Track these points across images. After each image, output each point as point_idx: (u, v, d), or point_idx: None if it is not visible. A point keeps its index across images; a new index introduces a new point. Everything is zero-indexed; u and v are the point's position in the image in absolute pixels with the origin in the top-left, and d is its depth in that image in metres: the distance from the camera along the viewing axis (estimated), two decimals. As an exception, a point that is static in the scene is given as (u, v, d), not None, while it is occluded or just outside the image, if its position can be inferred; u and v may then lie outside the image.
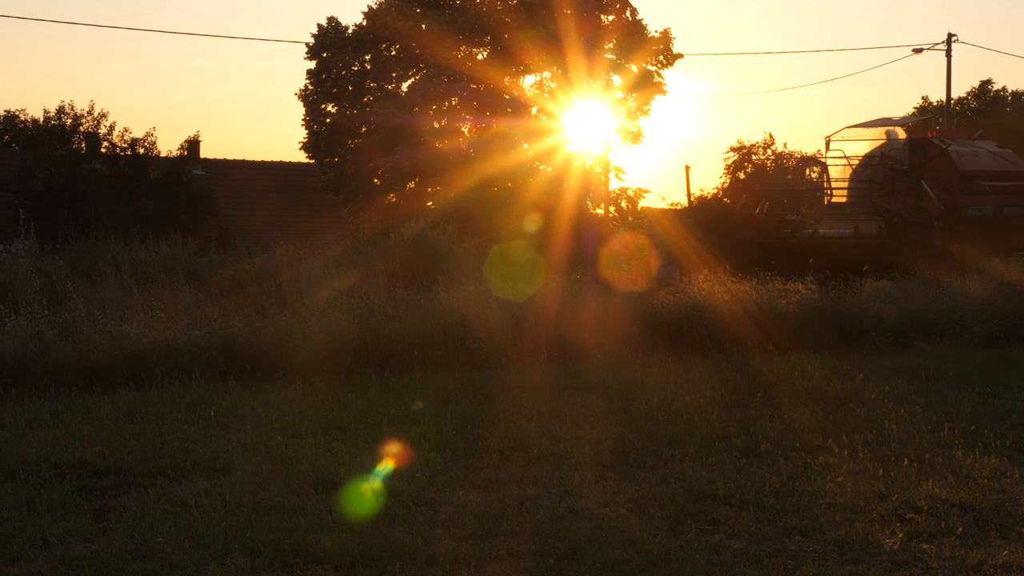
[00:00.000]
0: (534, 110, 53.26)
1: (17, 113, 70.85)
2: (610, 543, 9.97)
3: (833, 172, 40.83)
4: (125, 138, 44.30)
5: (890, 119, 42.19)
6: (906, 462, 12.90)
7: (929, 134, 39.70)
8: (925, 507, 11.01)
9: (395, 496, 11.44)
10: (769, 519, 10.74)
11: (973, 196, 36.80)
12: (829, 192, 40.73)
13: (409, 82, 54.11)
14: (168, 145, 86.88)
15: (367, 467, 12.61)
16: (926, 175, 37.18)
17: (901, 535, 10.23)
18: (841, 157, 40.58)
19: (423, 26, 52.74)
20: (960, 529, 10.41)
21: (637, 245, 36.46)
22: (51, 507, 11.07)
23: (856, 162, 40.78)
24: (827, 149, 41.35)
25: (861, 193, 39.53)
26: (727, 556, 9.75)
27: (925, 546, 9.97)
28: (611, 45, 54.04)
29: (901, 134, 39.36)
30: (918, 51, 58.94)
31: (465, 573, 9.32)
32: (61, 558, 9.58)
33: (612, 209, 54.28)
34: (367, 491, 11.66)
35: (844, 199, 39.86)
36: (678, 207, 66.35)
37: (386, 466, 12.67)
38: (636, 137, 55.01)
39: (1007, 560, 9.60)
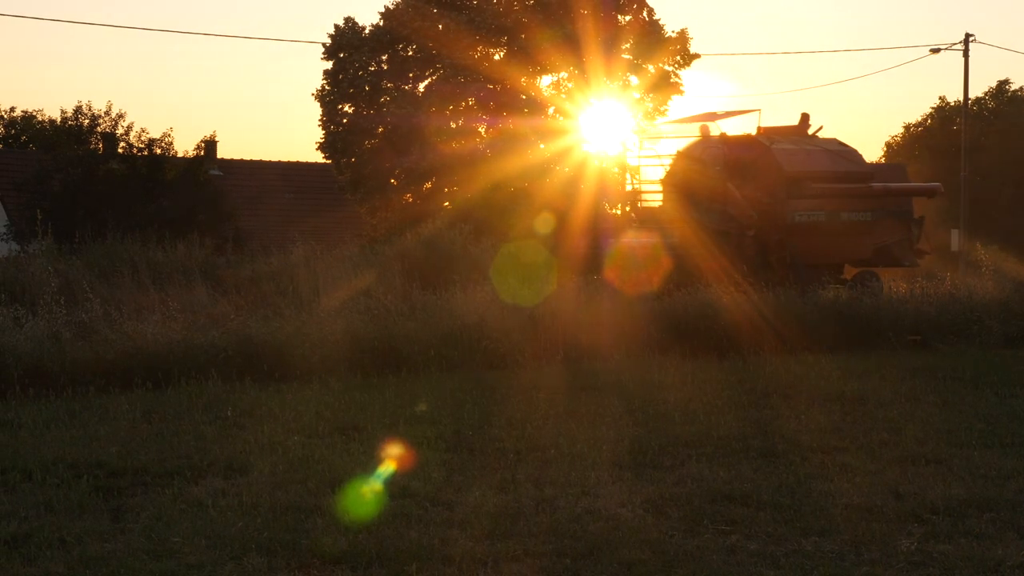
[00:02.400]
0: (551, 110, 53.27)
1: (34, 114, 71.15)
2: (627, 543, 9.96)
3: (649, 173, 35.89)
4: (142, 138, 44.46)
5: (715, 113, 37.60)
6: (923, 462, 12.87)
7: (758, 130, 34.71)
8: (942, 507, 10.98)
9: (412, 496, 11.45)
10: (786, 519, 10.72)
11: (801, 200, 32.43)
12: (639, 196, 36.02)
13: (426, 82, 54.15)
14: (185, 145, 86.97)
15: (384, 467, 12.62)
16: (745, 176, 32.75)
17: (918, 535, 10.21)
18: (654, 156, 35.70)
19: (440, 26, 52.76)
20: (977, 530, 10.38)
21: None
22: (68, 507, 11.09)
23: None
24: (641, 148, 36.41)
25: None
26: (744, 556, 9.74)
27: (942, 546, 9.95)
28: (628, 45, 54.05)
29: (717, 130, 35.16)
30: (936, 51, 58.78)
31: (482, 573, 9.32)
32: (78, 558, 9.60)
33: (628, 209, 54.25)
34: (383, 491, 11.66)
35: (659, 204, 34.95)
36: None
37: (402, 466, 12.68)
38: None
39: (1025, 561, 9.58)
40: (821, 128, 35.50)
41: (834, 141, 35.37)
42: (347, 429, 14.85)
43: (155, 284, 26.87)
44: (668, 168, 33.12)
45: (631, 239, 32.71)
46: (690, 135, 34.98)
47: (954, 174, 60.16)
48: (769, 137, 33.57)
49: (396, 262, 30.73)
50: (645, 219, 33.41)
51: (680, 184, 32.75)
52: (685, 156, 33.68)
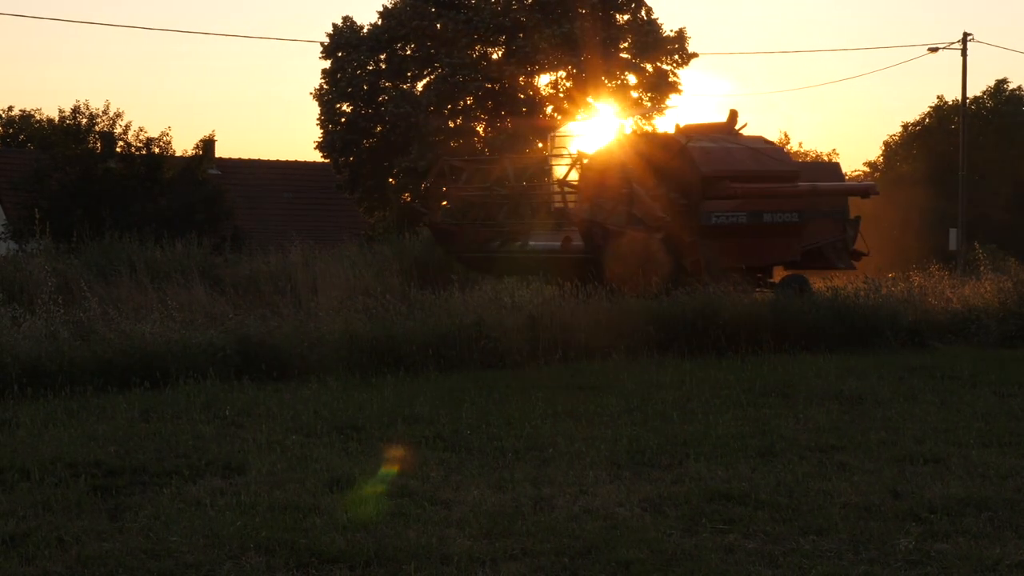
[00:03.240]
0: (549, 109, 53.33)
1: (32, 113, 71.16)
2: (625, 542, 9.96)
3: (560, 173, 32.96)
4: (140, 138, 44.43)
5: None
6: (921, 461, 12.88)
7: (678, 128, 33.17)
8: (940, 506, 10.98)
9: (410, 495, 11.45)
10: (784, 518, 10.72)
11: (718, 201, 30.70)
12: (536, 197, 33.05)
13: (424, 81, 54.24)
14: (183, 145, 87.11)
15: (382, 466, 12.62)
16: (662, 176, 30.87)
17: (916, 534, 10.20)
18: (564, 156, 33.44)
19: (438, 25, 52.81)
20: (975, 529, 10.38)
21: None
22: (66, 506, 11.09)
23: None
24: (553, 146, 34.21)
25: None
26: (742, 555, 9.74)
27: (940, 545, 9.95)
28: (626, 44, 54.14)
29: (628, 128, 33.88)
30: (934, 50, 58.82)
31: (480, 572, 9.32)
32: (76, 557, 9.60)
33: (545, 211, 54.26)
34: (382, 490, 11.66)
35: (567, 205, 31.99)
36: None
37: (401, 465, 12.68)
38: (651, 136, 54.99)
39: (1023, 559, 9.57)
40: (746, 125, 33.95)
41: (759, 139, 34.07)
42: (345, 428, 14.86)
43: (153, 283, 26.87)
44: (578, 168, 30.86)
45: (538, 243, 30.58)
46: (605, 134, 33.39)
47: (952, 173, 60.24)
48: (687, 135, 32.07)
49: (394, 261, 30.85)
50: (558, 221, 30.88)
51: (586, 185, 30.62)
52: (595, 156, 31.73)
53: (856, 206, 32.93)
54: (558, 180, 31.42)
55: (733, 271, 28.76)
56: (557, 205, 30.90)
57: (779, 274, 32.11)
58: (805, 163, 36.87)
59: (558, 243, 29.96)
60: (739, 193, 30.76)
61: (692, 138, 31.66)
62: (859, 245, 33.14)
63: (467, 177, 33.76)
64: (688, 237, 29.85)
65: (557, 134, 34.42)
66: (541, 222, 31.19)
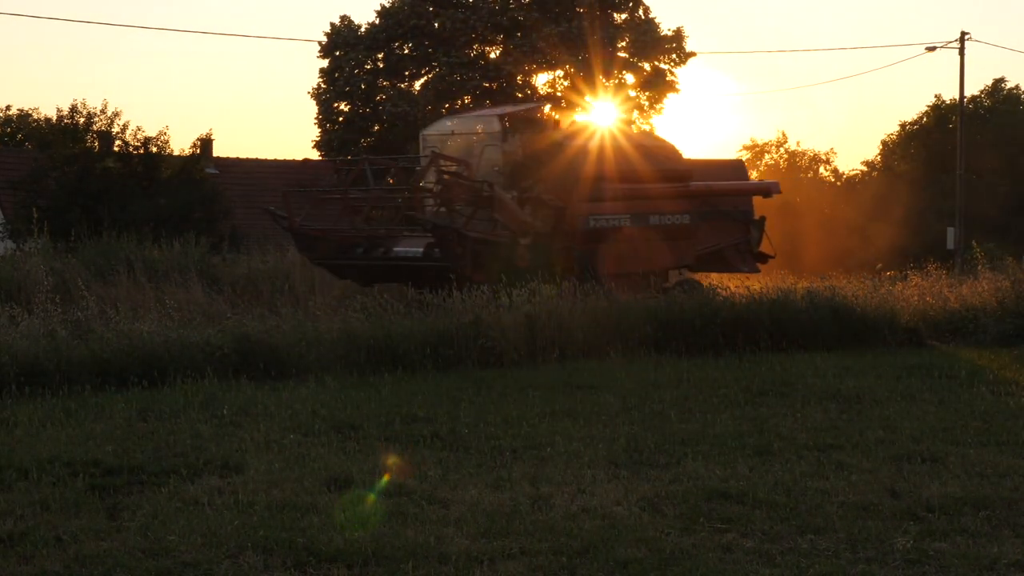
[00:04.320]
0: (547, 108, 53.29)
1: (30, 112, 71.09)
2: (623, 541, 9.97)
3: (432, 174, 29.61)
4: (138, 137, 44.38)
5: (503, 108, 32.44)
6: (919, 460, 12.88)
7: (555, 123, 30.91)
8: (938, 505, 10.99)
9: (408, 494, 11.45)
10: (782, 517, 10.73)
11: (598, 203, 28.76)
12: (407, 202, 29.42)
13: (422, 80, 54.21)
14: (181, 144, 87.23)
15: (380, 465, 12.62)
16: (537, 177, 28.96)
17: (914, 533, 10.21)
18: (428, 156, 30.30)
19: (436, 24, 52.81)
20: (973, 527, 10.39)
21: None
22: (64, 505, 11.09)
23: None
24: (423, 146, 31.09)
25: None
26: (740, 554, 9.75)
27: (938, 544, 9.95)
28: (624, 43, 54.12)
29: (496, 125, 30.09)
30: (931, 49, 58.82)
31: (478, 571, 9.32)
32: (74, 556, 9.60)
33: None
34: (379, 489, 11.66)
35: (425, 210, 29.08)
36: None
37: (398, 464, 12.68)
38: (649, 135, 55.04)
39: (1021, 558, 9.58)
40: (633, 123, 32.45)
41: (647, 135, 32.48)
42: (343, 427, 14.86)
43: (151, 282, 26.91)
44: (438, 170, 28.31)
45: (402, 249, 28.33)
46: (470, 132, 30.52)
47: (950, 172, 60.25)
48: (566, 132, 30.35)
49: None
50: (413, 227, 28.47)
51: (446, 188, 28.05)
52: (458, 155, 29.43)
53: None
54: (411, 183, 29.05)
55: (619, 277, 27.25)
56: (409, 212, 28.37)
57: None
58: (704, 161, 34.24)
59: (420, 250, 27.73)
60: (621, 195, 29.18)
61: (569, 134, 30.06)
62: (765, 247, 31.90)
63: (341, 179, 31.04)
64: (563, 242, 28.27)
65: (428, 132, 31.42)
66: (400, 228, 28.82)
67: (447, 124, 31.74)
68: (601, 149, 29.71)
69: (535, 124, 30.74)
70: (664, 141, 32.30)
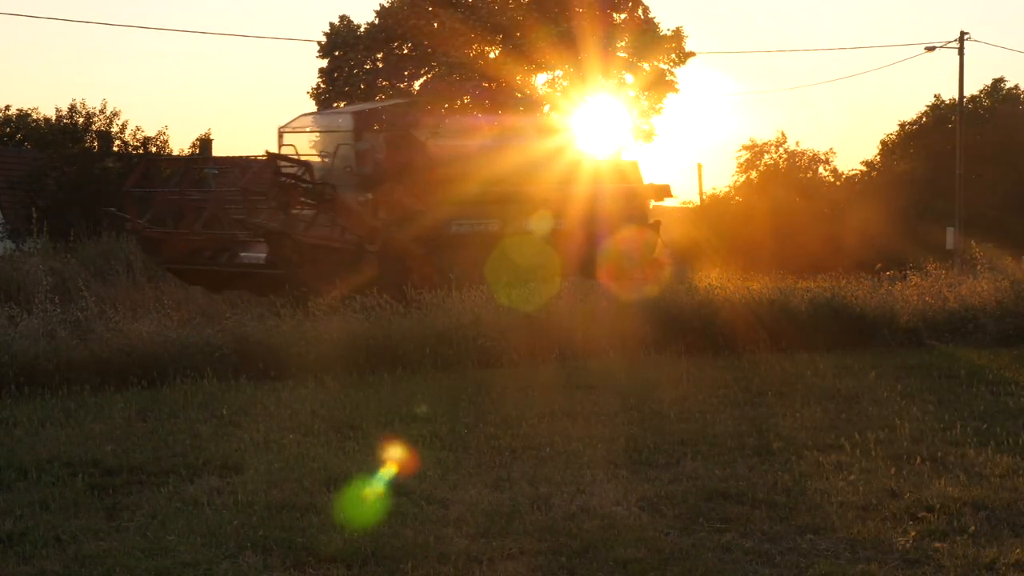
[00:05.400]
0: (546, 108, 53.31)
1: (29, 112, 70.98)
2: (622, 541, 9.96)
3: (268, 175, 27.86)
4: (137, 136, 44.48)
5: (362, 105, 30.36)
6: (918, 460, 12.87)
7: (420, 121, 29.55)
8: (937, 505, 10.98)
9: (407, 494, 11.45)
10: (781, 517, 10.72)
11: (459, 207, 27.29)
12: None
13: (421, 80, 54.20)
14: (180, 143, 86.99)
15: (379, 465, 12.62)
16: (399, 179, 27.41)
17: (913, 533, 10.20)
18: (294, 156, 28.49)
19: (436, 24, 52.81)
20: (972, 527, 10.38)
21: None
22: (64, 505, 11.09)
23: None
24: (280, 144, 29.49)
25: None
26: (739, 554, 9.74)
27: (937, 544, 9.95)
28: (623, 43, 54.12)
29: (350, 123, 28.51)
30: (931, 49, 58.84)
31: (477, 571, 9.32)
32: (74, 556, 9.60)
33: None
34: (379, 489, 11.66)
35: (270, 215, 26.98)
36: (690, 205, 66.57)
37: (398, 464, 12.68)
38: (648, 135, 55.13)
39: (1020, 559, 9.57)
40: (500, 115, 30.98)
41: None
42: (342, 427, 14.86)
43: (150, 282, 26.93)
44: (274, 171, 26.43)
45: (248, 255, 26.74)
46: (329, 129, 29.05)
47: (949, 172, 60.23)
48: (432, 129, 29.04)
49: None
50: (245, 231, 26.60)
51: (282, 189, 26.10)
52: (318, 154, 28.18)
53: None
54: (239, 185, 27.27)
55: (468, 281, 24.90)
56: (237, 216, 26.49)
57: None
58: (600, 162, 32.75)
59: (264, 256, 26.09)
60: (491, 198, 27.87)
61: (435, 134, 28.71)
62: (659, 254, 30.77)
63: (177, 179, 29.29)
64: (419, 249, 26.81)
65: (286, 129, 29.54)
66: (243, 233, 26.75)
67: (305, 121, 30.21)
68: (472, 148, 28.34)
69: (399, 122, 29.18)
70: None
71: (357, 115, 28.61)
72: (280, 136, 29.59)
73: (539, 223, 28.25)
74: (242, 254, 26.81)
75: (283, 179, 26.09)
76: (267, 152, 27.21)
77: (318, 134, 28.91)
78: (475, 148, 28.51)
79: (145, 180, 31.90)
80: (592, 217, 29.12)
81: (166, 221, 28.73)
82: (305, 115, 30.53)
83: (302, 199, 26.24)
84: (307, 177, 26.42)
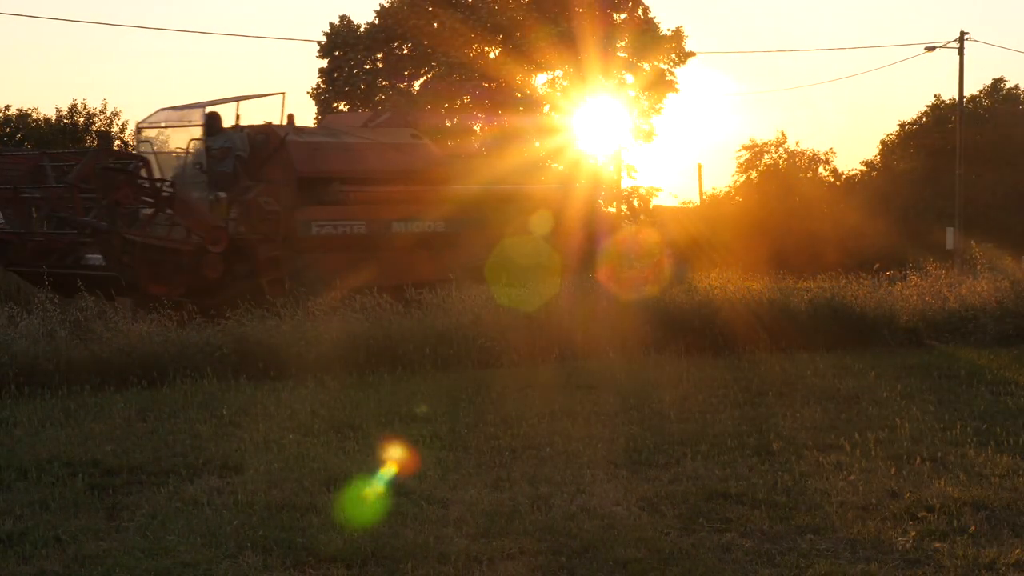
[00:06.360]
0: (546, 108, 53.33)
1: (30, 112, 70.99)
2: (622, 541, 9.96)
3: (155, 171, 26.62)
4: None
5: (213, 101, 28.90)
6: (918, 460, 12.86)
7: (290, 118, 27.82)
8: (937, 505, 10.98)
9: (407, 494, 11.44)
10: (781, 517, 10.72)
11: (322, 208, 26.35)
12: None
13: (421, 80, 54.22)
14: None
15: (379, 465, 12.62)
16: (261, 177, 26.43)
17: (913, 533, 10.20)
18: (151, 153, 27.37)
19: (436, 24, 52.83)
20: (972, 528, 10.37)
21: (649, 243, 32.29)
22: (64, 505, 11.09)
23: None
24: (137, 140, 28.22)
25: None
26: (739, 554, 9.74)
27: (937, 544, 9.95)
28: (623, 43, 54.12)
29: (200, 120, 27.49)
30: (931, 49, 58.80)
31: (477, 571, 9.32)
32: (74, 556, 9.60)
33: (624, 207, 54.35)
34: (379, 489, 11.66)
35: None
36: (690, 205, 66.64)
37: (398, 464, 12.67)
38: (648, 135, 55.13)
39: (1020, 559, 9.57)
40: (388, 115, 29.88)
41: (405, 132, 29.48)
42: (342, 427, 14.86)
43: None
44: (103, 166, 25.03)
45: (90, 257, 25.32)
46: (189, 124, 27.81)
47: (949, 172, 60.23)
48: (295, 127, 27.49)
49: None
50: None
51: (109, 185, 24.70)
52: (172, 151, 27.12)
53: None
54: (70, 178, 25.34)
55: (358, 291, 23.32)
56: (59, 211, 24.84)
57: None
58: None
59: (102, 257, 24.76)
60: (352, 198, 26.80)
61: (301, 131, 27.48)
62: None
63: (18, 174, 27.43)
64: (271, 251, 25.80)
65: (142, 124, 28.26)
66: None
67: (161, 116, 28.76)
68: (329, 146, 27.29)
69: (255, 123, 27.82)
70: (422, 140, 29.78)
71: (208, 112, 27.57)
72: (138, 131, 28.40)
73: (405, 225, 27.35)
74: (87, 256, 25.47)
75: (107, 172, 24.86)
76: (98, 145, 25.75)
77: (173, 129, 27.88)
78: (335, 147, 27.44)
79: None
80: (457, 219, 28.06)
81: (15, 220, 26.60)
82: (163, 110, 29.20)
83: (142, 197, 25.14)
84: (142, 173, 25.32)
